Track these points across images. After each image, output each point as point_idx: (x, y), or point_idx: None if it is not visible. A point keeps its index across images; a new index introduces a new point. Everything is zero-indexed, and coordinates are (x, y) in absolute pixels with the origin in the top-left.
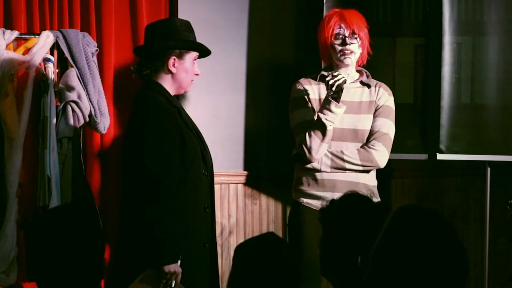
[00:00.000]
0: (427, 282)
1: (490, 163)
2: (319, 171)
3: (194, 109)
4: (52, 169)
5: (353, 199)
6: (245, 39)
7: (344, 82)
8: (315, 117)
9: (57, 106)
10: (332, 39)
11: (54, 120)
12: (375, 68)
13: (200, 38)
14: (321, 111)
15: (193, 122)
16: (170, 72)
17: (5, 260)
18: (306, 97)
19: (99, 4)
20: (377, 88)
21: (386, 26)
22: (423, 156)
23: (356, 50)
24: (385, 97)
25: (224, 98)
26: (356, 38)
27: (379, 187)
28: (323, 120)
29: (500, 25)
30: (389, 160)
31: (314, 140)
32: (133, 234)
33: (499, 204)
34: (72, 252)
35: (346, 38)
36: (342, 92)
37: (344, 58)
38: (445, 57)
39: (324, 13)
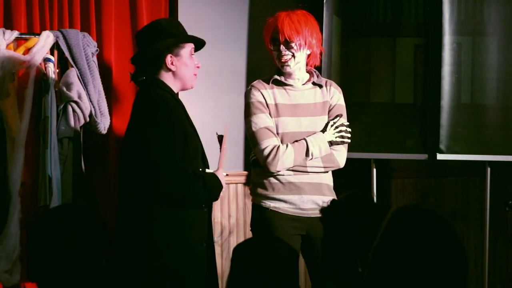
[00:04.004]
0: (427, 281)
1: (490, 163)
2: (282, 174)
3: (194, 109)
4: (53, 169)
5: (353, 200)
6: (245, 39)
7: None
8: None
9: (57, 106)
10: (270, 45)
11: (55, 120)
12: (375, 68)
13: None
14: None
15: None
16: (171, 70)
17: (9, 260)
18: (264, 102)
19: (99, 4)
20: (328, 87)
21: (386, 26)
22: (423, 156)
23: (296, 55)
24: (337, 95)
25: (224, 98)
26: (290, 44)
27: (379, 187)
28: (312, 152)
29: (500, 25)
30: (389, 160)
31: (290, 157)
32: (132, 232)
33: (499, 204)
34: (72, 252)
35: (281, 45)
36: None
37: (282, 67)
38: (445, 57)
39: (324, 13)
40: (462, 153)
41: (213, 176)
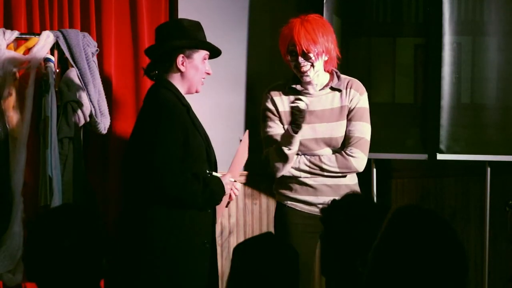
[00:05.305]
0: (427, 282)
1: (490, 163)
2: (299, 177)
3: (194, 109)
4: (54, 169)
5: (353, 200)
6: (245, 39)
7: (301, 111)
8: (283, 132)
9: (57, 106)
10: (287, 56)
11: (55, 120)
12: (375, 68)
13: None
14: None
15: (200, 122)
16: (180, 71)
17: (12, 259)
18: (275, 110)
19: (99, 4)
20: (348, 90)
21: (386, 26)
22: (423, 156)
23: (315, 64)
24: (357, 98)
25: (224, 98)
26: (309, 55)
27: (379, 187)
28: (285, 151)
29: (500, 25)
30: (389, 160)
31: (277, 164)
32: (132, 232)
33: (499, 204)
34: (73, 252)
35: (299, 57)
36: (302, 117)
37: (301, 77)
38: (445, 57)
39: (324, 13)
40: (462, 153)
41: (216, 180)
